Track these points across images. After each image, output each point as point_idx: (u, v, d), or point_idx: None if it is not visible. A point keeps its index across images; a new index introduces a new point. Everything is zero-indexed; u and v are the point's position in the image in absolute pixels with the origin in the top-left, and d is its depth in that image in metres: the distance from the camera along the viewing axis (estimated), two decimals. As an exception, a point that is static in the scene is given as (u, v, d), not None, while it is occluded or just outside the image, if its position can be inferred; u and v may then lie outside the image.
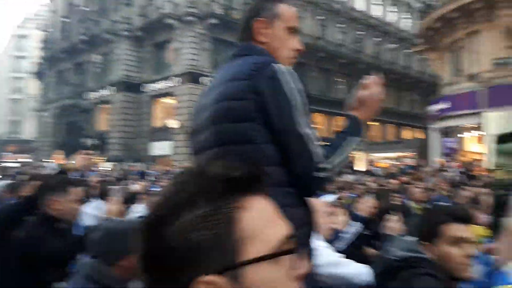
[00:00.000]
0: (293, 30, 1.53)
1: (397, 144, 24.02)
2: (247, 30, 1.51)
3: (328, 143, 1.41)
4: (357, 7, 29.42)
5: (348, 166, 16.99)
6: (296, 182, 1.33)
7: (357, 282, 1.95)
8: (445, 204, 4.15)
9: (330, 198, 3.37)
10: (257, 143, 1.31)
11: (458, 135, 16.46)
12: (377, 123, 29.93)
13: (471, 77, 14.97)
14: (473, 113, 14.58)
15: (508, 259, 0.57)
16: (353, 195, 6.05)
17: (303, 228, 1.33)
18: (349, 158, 1.48)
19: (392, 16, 31.98)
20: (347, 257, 2.18)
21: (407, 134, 31.07)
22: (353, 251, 2.86)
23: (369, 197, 4.18)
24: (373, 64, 28.69)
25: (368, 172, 13.85)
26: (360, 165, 18.85)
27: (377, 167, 17.39)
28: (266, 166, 1.27)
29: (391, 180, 8.82)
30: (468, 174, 10.29)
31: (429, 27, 17.17)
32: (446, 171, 10.79)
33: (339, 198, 4.51)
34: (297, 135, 1.32)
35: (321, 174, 1.33)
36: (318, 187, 1.40)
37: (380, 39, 30.90)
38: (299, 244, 1.21)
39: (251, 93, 1.32)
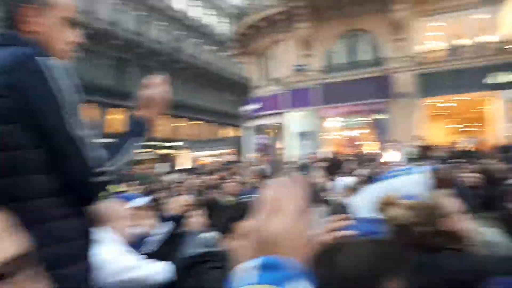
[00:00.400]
0: (69, 21, 1.40)
1: (218, 141, 25.36)
2: (13, 17, 1.32)
3: (110, 144, 1.36)
4: (175, 7, 29.70)
5: (171, 165, 17.15)
6: (71, 189, 1.21)
7: (152, 282, 1.96)
8: (248, 199, 4.56)
9: (141, 200, 3.31)
10: (15, 149, 1.14)
11: (267, 133, 18.45)
12: (200, 122, 30.99)
13: (276, 81, 16.93)
14: (278, 113, 16.55)
15: (242, 260, 0.62)
16: (173, 194, 6.09)
17: (78, 240, 1.23)
18: (134, 158, 1.45)
19: (210, 19, 33.45)
20: (160, 258, 2.16)
21: (227, 132, 33.10)
22: (166, 251, 2.88)
23: (184, 195, 4.26)
24: (192, 64, 29.56)
25: (192, 170, 14.20)
26: (185, 163, 19.21)
27: (200, 164, 18.00)
28: (27, 175, 1.15)
29: (211, 176, 9.20)
30: (276, 166, 11.61)
31: (242, 33, 18.59)
32: (257, 165, 11.93)
33: (155, 200, 4.48)
34: (67, 137, 1.19)
35: (100, 179, 1.26)
36: (97, 192, 1.31)
37: (200, 40, 31.97)
38: (74, 257, 1.15)
39: (9, 89, 1.14)
